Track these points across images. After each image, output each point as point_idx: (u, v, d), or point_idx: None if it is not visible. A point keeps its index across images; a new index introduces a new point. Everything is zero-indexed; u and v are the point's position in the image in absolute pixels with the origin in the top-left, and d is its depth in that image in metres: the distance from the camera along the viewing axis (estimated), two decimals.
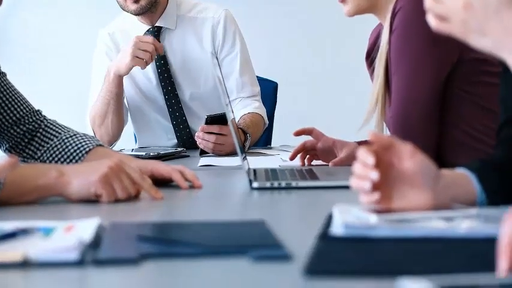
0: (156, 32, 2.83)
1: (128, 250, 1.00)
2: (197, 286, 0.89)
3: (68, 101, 3.89)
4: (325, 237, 1.07)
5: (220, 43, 2.87)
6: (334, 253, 0.98)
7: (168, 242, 1.05)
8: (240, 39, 2.90)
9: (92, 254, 0.99)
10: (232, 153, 2.54)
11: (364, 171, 1.23)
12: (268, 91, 3.20)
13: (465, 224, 1.07)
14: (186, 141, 2.90)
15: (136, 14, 2.76)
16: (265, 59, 3.38)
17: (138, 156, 2.33)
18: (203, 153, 2.55)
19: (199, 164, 2.23)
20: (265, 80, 3.21)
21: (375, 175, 1.21)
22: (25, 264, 0.95)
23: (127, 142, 3.05)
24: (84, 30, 3.72)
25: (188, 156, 2.55)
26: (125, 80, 2.75)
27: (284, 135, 3.33)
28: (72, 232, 1.10)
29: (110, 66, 2.71)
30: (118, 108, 2.76)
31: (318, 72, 4.24)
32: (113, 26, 2.92)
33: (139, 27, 2.84)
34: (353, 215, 1.15)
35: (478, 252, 0.97)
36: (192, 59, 2.86)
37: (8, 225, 1.12)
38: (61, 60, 4.15)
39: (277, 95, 3.32)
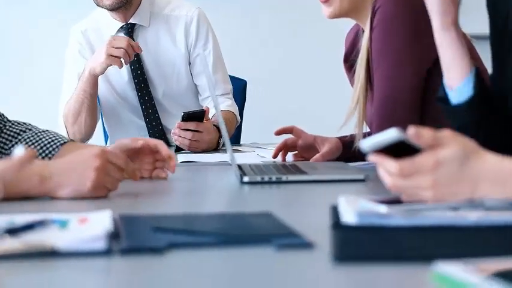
0: (130, 29, 2.83)
1: (153, 240, 1.01)
2: (227, 274, 0.91)
3: (40, 99, 3.87)
4: (339, 226, 1.10)
5: (193, 41, 2.88)
6: (357, 240, 1.00)
7: (189, 233, 1.06)
8: (212, 37, 2.92)
9: (116, 244, 1.00)
10: (208, 150, 2.56)
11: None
12: (237, 89, 3.22)
13: (473, 212, 1.11)
14: (158, 139, 2.89)
15: (111, 9, 2.75)
16: (234, 57, 3.39)
17: None
18: (178, 150, 2.56)
19: (180, 161, 2.24)
20: (234, 78, 3.23)
21: None
22: (54, 254, 0.95)
23: (94, 139, 3.03)
24: (57, 27, 3.69)
25: None
26: (99, 78, 2.74)
27: (253, 133, 3.36)
28: (87, 224, 1.10)
29: (86, 65, 2.71)
30: (92, 107, 2.76)
31: (286, 70, 4.27)
32: (85, 23, 2.91)
33: (112, 24, 2.84)
34: (361, 205, 1.17)
35: (496, 238, 1.01)
36: (165, 57, 2.87)
37: (19, 218, 1.12)
38: (34, 58, 4.12)
39: (246, 93, 3.35)
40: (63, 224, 1.10)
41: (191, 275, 0.91)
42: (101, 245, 0.97)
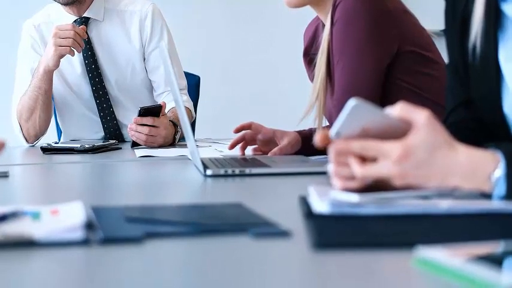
0: (84, 23, 2.81)
1: (129, 230, 1.01)
2: (207, 262, 0.91)
3: None
4: (313, 215, 1.11)
5: (148, 37, 2.87)
6: (334, 227, 1.01)
7: (164, 223, 1.06)
8: (167, 32, 2.91)
9: (91, 235, 0.99)
10: (164, 145, 2.56)
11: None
12: (191, 85, 3.21)
13: (443, 201, 1.13)
14: (113, 134, 2.88)
15: (65, 3, 2.73)
16: (188, 53, 3.39)
17: (72, 149, 2.32)
18: (135, 145, 2.55)
19: (139, 155, 2.23)
20: (187, 73, 3.23)
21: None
22: (32, 244, 0.95)
23: (47, 134, 3.00)
24: (9, 23, 3.64)
25: (120, 148, 2.54)
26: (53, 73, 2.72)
27: (206, 128, 3.36)
28: (59, 215, 1.09)
29: (39, 62, 2.68)
30: (46, 104, 2.73)
31: (240, 66, 4.28)
32: (38, 17, 2.89)
33: (65, 18, 2.82)
34: (332, 195, 1.19)
35: (466, 225, 1.03)
36: (119, 52, 2.85)
37: None
38: None
39: (200, 89, 3.35)
40: (35, 216, 1.09)
41: (170, 264, 0.91)
42: (78, 235, 0.96)
